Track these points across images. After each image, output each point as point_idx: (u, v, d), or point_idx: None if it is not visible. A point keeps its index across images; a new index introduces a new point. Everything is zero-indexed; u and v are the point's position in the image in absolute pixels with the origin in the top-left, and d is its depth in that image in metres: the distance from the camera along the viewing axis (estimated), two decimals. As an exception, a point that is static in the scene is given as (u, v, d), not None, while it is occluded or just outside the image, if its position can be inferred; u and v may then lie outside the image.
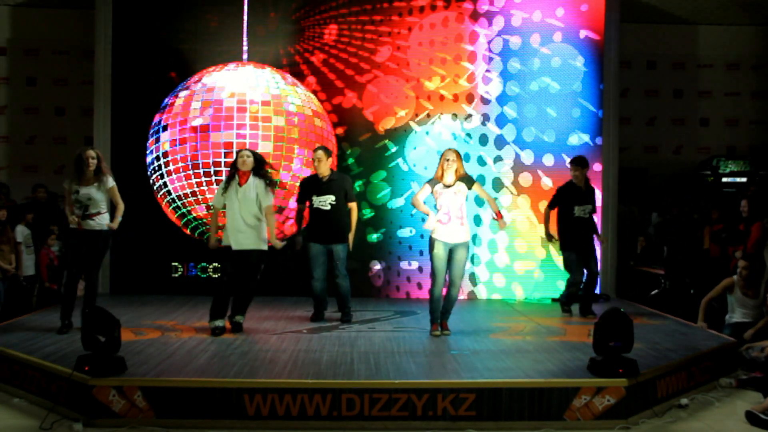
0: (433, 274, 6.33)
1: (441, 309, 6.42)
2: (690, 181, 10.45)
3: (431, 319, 6.45)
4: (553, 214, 7.49)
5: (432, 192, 6.31)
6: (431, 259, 6.33)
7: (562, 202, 7.38)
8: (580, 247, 7.29)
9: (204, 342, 5.94)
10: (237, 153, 6.36)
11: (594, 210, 7.46)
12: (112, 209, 6.47)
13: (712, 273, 7.79)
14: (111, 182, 6.36)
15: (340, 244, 6.82)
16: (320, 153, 6.77)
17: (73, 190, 6.22)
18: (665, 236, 8.87)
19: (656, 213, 9.92)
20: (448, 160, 6.27)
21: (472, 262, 8.79)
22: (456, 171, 6.27)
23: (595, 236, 7.50)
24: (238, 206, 6.16)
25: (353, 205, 6.90)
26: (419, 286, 8.75)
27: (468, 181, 6.35)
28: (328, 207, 6.72)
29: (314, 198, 6.78)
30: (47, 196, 8.86)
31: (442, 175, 6.29)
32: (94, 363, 4.77)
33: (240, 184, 6.20)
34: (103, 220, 6.28)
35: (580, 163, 7.36)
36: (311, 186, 6.83)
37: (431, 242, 6.32)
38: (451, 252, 6.29)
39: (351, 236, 6.87)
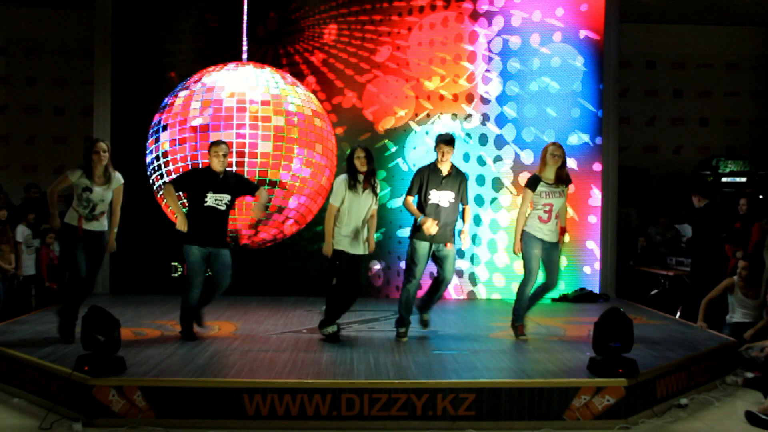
0: (528, 273, 6.11)
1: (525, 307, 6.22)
2: (690, 181, 10.45)
3: (516, 318, 6.27)
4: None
5: (531, 193, 6.04)
6: (524, 258, 6.07)
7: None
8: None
9: (204, 342, 5.94)
10: (353, 151, 6.04)
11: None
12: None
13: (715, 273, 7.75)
14: (121, 179, 6.03)
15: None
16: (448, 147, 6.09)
17: (83, 187, 5.81)
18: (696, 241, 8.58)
19: (652, 225, 9.91)
20: (554, 155, 6.01)
21: (472, 261, 8.80)
22: (560, 168, 6.02)
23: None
24: (357, 209, 5.98)
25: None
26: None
27: (568, 180, 6.12)
28: (447, 204, 6.15)
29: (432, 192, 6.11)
30: (39, 196, 8.88)
31: (544, 171, 6.06)
32: (94, 363, 4.77)
33: (364, 187, 6.01)
34: (105, 221, 6.00)
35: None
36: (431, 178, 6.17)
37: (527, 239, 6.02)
38: (546, 252, 6.09)
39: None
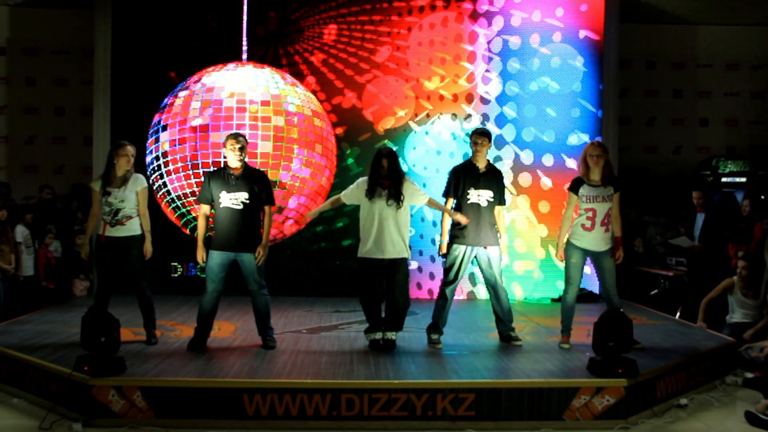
0: (566, 283, 5.88)
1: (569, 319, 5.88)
2: (690, 181, 10.45)
3: (561, 330, 5.97)
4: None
5: (576, 196, 5.70)
6: (565, 267, 5.83)
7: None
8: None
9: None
10: (379, 155, 5.70)
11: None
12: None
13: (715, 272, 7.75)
14: (144, 182, 5.89)
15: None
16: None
17: (103, 191, 5.70)
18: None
19: (653, 218, 9.90)
20: (593, 156, 5.63)
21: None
22: (603, 168, 5.63)
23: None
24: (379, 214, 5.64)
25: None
26: (419, 286, 8.75)
27: (617, 184, 5.72)
28: (485, 203, 5.87)
29: (471, 191, 5.84)
30: (52, 197, 8.90)
31: (587, 173, 5.69)
32: (94, 363, 4.78)
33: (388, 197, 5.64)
34: (134, 225, 5.80)
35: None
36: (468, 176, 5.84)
37: (567, 249, 5.77)
38: (595, 261, 5.80)
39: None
